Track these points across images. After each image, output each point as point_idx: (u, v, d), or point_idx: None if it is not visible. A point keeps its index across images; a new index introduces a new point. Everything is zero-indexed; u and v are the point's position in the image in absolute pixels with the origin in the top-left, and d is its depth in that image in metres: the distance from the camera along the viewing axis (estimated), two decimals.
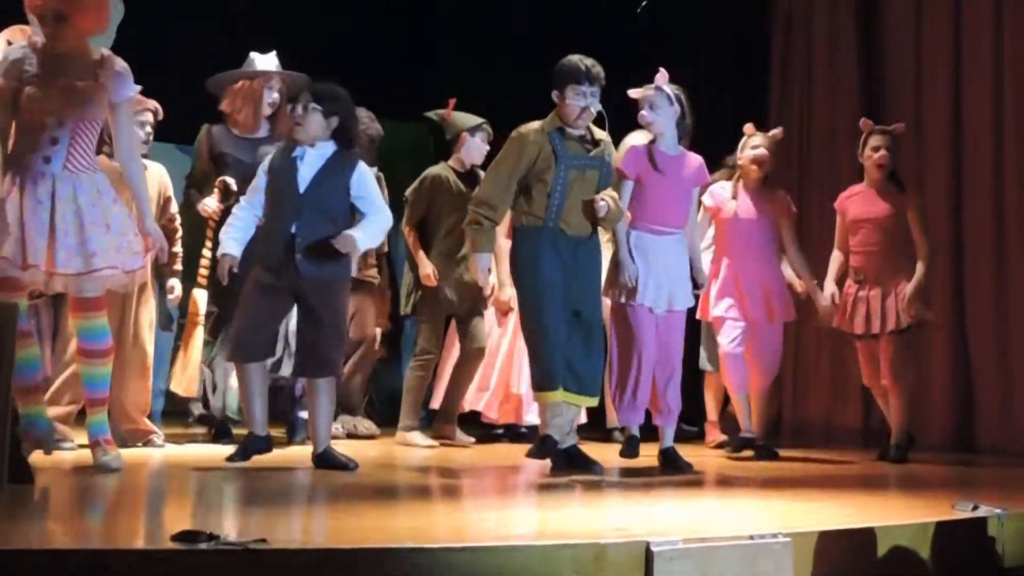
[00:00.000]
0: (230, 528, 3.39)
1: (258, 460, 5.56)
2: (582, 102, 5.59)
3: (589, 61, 5.66)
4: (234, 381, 6.32)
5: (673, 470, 5.86)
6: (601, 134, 5.79)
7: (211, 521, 3.51)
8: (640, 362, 5.88)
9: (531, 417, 7.47)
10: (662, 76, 5.97)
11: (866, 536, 3.84)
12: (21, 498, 4.27)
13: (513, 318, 7.45)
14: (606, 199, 5.64)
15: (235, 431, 6.68)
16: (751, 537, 3.57)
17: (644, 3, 8.96)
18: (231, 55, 6.85)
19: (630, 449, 6.15)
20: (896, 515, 4.29)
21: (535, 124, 5.68)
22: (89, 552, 3.11)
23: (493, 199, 5.63)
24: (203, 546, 3.10)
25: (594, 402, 5.80)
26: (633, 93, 6.02)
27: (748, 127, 6.87)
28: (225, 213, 6.28)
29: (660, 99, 5.96)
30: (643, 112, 5.98)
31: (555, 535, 3.61)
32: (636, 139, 6.21)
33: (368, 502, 4.53)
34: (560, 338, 5.54)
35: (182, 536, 3.15)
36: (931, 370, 7.60)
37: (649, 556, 3.37)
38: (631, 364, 5.89)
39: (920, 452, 6.80)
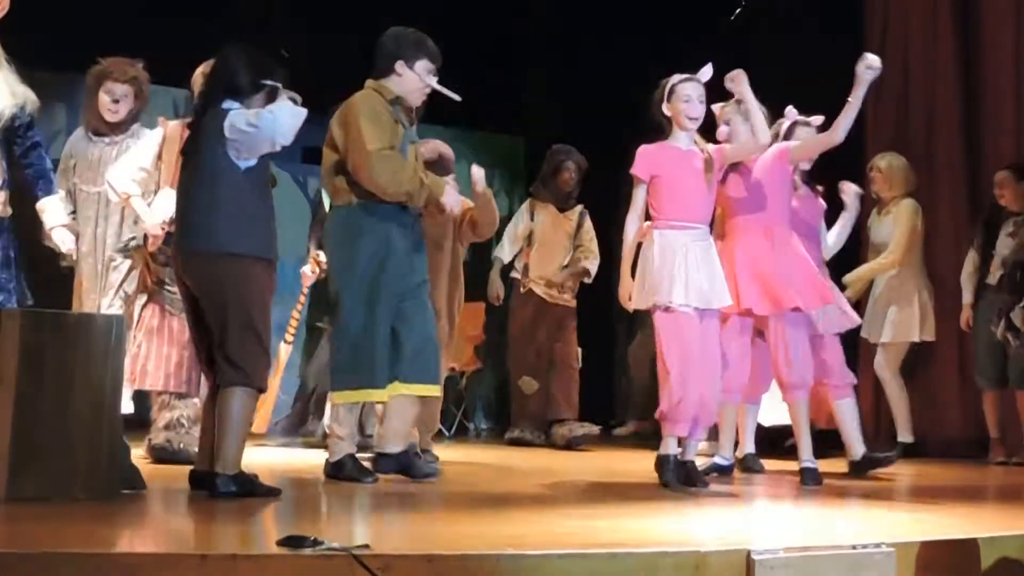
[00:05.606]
0: (333, 534, 3.43)
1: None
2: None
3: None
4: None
5: (688, 484, 5.29)
6: None
7: (314, 527, 3.55)
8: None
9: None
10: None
11: (970, 547, 3.79)
12: (133, 504, 4.38)
13: None
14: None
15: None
16: (853, 547, 3.55)
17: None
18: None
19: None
20: (1001, 525, 4.23)
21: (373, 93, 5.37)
22: (197, 556, 3.18)
23: None
24: (307, 551, 3.15)
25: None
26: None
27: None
28: None
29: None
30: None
31: (656, 542, 3.61)
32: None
33: (465, 509, 4.56)
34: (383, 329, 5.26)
35: (287, 541, 3.21)
36: None
37: (750, 564, 3.36)
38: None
39: None
